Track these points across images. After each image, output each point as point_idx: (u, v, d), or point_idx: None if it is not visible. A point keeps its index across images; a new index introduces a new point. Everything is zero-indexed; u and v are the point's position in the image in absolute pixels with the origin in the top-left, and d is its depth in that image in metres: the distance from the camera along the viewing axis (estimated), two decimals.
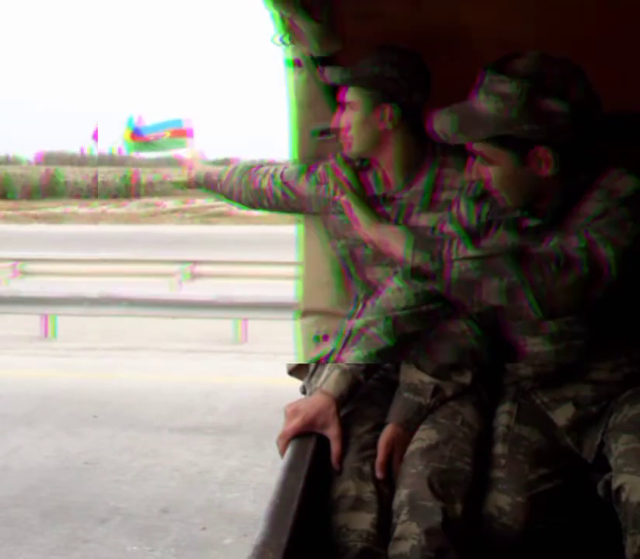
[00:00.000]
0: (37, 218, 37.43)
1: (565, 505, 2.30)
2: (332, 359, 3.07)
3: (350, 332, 2.49)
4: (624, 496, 2.05)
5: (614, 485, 2.09)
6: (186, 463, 7.23)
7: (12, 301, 11.90)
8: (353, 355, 2.43)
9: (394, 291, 2.46)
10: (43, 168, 46.75)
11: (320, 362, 2.67)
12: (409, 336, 2.45)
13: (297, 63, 2.95)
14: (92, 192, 43.98)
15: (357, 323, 2.51)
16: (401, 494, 2.26)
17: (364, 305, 3.04)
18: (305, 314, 3.36)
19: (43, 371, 10.26)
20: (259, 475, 6.76)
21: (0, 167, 47.14)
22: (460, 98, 2.18)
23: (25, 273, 14.84)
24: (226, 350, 11.44)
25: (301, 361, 3.36)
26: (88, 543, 5.82)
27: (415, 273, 2.24)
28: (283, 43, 2.82)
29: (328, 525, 2.26)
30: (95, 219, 37.07)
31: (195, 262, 14.91)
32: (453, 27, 2.83)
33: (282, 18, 2.64)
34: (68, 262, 15.35)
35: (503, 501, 2.26)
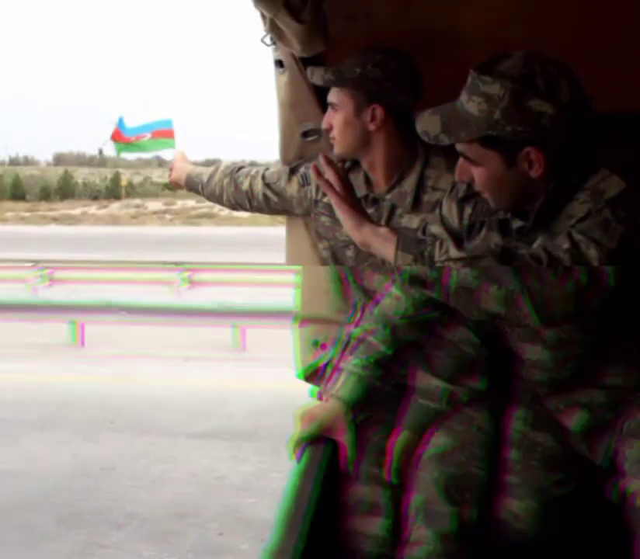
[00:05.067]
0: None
1: (578, 511, 2.29)
2: (330, 366, 3.08)
3: (349, 340, 2.49)
4: (636, 502, 2.05)
5: (628, 491, 2.08)
6: (203, 468, 7.24)
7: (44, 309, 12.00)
8: (352, 363, 2.43)
9: (392, 299, 2.46)
10: (60, 169, 46.89)
11: (319, 370, 2.66)
12: (408, 344, 2.44)
13: (279, 63, 2.94)
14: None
15: (356, 331, 2.51)
16: (416, 500, 2.26)
17: (362, 313, 3.05)
18: (303, 321, 3.36)
19: (61, 377, 10.29)
20: (276, 480, 6.76)
21: (17, 168, 47.26)
22: (451, 100, 2.15)
23: (52, 279, 14.92)
24: (227, 357, 11.42)
25: (300, 368, 3.36)
26: (105, 548, 5.84)
27: (413, 281, 2.24)
28: (265, 43, 2.82)
29: (342, 529, 2.26)
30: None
31: (191, 270, 14.88)
32: (443, 28, 2.81)
33: (264, 18, 2.63)
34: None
35: (517, 506, 2.25)
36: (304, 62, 2.82)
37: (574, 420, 2.37)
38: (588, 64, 2.24)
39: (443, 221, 2.42)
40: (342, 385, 2.40)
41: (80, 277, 15.03)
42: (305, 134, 3.06)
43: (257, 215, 3.63)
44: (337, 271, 3.13)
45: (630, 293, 2.14)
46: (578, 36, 2.71)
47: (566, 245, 2.04)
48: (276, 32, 2.65)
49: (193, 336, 12.24)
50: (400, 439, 2.40)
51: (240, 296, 12.38)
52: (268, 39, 2.79)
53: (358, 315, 3.09)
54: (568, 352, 2.31)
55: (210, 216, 36.75)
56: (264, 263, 14.37)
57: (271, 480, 6.86)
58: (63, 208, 41.79)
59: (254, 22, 2.72)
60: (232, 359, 11.35)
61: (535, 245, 2.16)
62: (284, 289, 11.23)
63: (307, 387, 3.34)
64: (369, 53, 2.66)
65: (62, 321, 12.16)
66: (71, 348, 11.99)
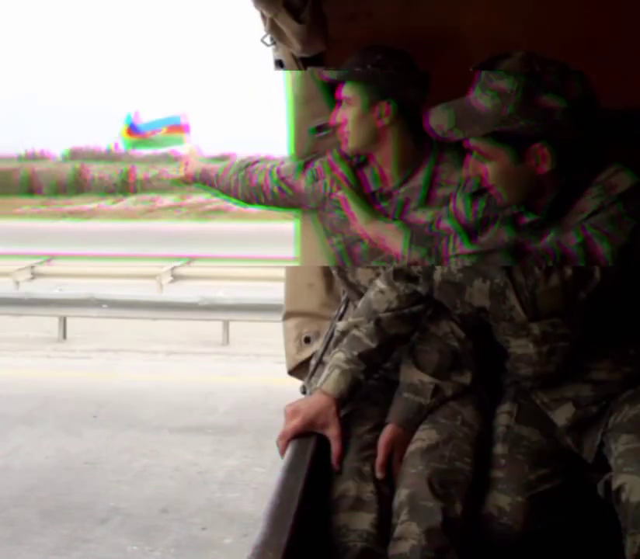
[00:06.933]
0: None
1: (564, 505, 2.30)
2: (315, 360, 3.08)
3: (334, 334, 2.48)
4: (624, 496, 2.05)
5: (614, 485, 2.08)
6: (186, 463, 7.23)
7: (28, 303, 11.96)
8: (336, 357, 2.43)
9: (377, 293, 2.46)
10: (76, 164, 46.64)
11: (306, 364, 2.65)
12: (393, 338, 2.45)
13: (279, 63, 2.93)
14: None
15: (341, 325, 2.51)
16: (401, 495, 2.25)
17: (347, 307, 3.05)
18: (289, 315, 3.36)
19: (44, 371, 10.25)
20: (259, 475, 6.76)
21: (29, 163, 47.09)
22: (450, 98, 2.16)
23: (38, 275, 14.82)
24: (209, 352, 11.41)
25: (287, 362, 3.37)
26: (88, 542, 5.82)
27: (399, 275, 2.24)
28: (265, 43, 2.81)
29: (328, 525, 2.26)
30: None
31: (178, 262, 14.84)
32: (443, 27, 2.83)
33: (264, 18, 2.62)
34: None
35: (503, 501, 2.25)
36: (304, 62, 2.83)
37: (561, 414, 2.37)
38: (588, 64, 2.25)
39: (455, 216, 2.42)
40: (327, 379, 2.41)
41: (64, 272, 14.91)
42: (318, 129, 3.05)
43: (270, 210, 3.59)
44: (324, 266, 3.13)
45: (620, 289, 2.14)
46: (578, 36, 2.72)
47: (578, 239, 2.06)
48: (276, 32, 2.64)
49: (176, 331, 12.21)
50: (386, 433, 2.40)
51: (225, 291, 12.32)
52: (268, 39, 2.78)
53: (343, 310, 3.09)
54: (554, 347, 2.31)
55: (222, 211, 36.69)
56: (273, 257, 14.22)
57: (255, 475, 6.85)
58: (77, 202, 41.77)
59: (258, 22, 2.72)
60: (215, 353, 11.33)
61: (547, 240, 2.16)
62: (269, 284, 11.27)
63: (291, 381, 3.33)
64: (374, 51, 2.65)
65: (44, 316, 12.11)
66: (54, 343, 11.94)
